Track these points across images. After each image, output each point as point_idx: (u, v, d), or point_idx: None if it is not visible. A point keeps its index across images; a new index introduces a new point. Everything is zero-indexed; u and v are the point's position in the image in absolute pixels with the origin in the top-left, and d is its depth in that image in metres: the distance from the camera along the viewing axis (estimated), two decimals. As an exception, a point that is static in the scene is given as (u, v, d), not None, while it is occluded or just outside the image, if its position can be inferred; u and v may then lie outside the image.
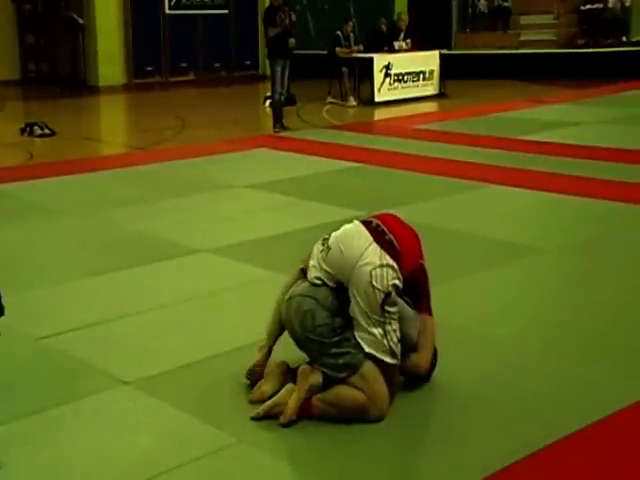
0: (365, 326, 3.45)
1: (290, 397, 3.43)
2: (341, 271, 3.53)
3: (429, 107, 14.73)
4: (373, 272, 3.45)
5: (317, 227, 6.34)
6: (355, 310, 3.47)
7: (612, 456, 3.24)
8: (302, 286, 3.62)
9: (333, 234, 3.69)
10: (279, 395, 3.47)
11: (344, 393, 3.44)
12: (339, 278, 3.54)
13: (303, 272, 3.71)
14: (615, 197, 7.28)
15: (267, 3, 13.40)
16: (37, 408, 3.61)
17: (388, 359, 3.47)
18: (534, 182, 7.95)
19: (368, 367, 3.44)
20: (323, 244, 3.67)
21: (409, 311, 3.71)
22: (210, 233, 6.43)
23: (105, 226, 6.69)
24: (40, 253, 5.98)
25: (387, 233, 3.59)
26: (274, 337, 3.77)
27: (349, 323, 3.50)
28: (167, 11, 18.17)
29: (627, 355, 4.17)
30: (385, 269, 3.47)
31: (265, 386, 3.62)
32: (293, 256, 5.74)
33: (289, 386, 3.50)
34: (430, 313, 3.79)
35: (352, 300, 3.48)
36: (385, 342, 3.46)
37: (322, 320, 3.46)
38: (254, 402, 3.56)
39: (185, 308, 4.86)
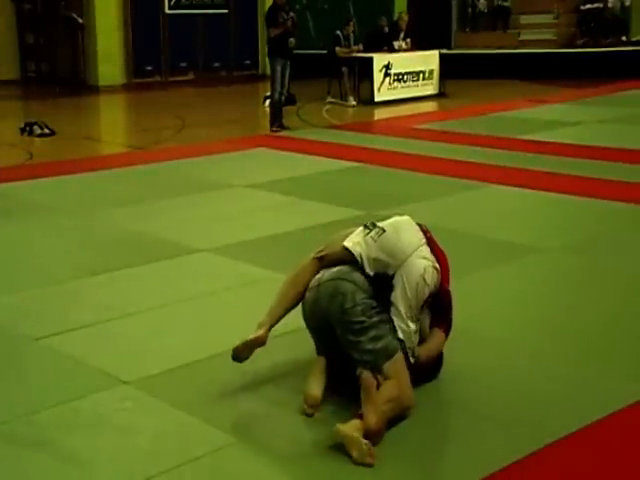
0: (404, 316, 3.51)
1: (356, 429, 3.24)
2: (393, 255, 3.59)
3: (429, 107, 14.74)
4: (428, 268, 3.57)
5: (317, 227, 6.35)
6: (399, 298, 3.53)
7: (612, 456, 3.24)
8: (332, 271, 3.63)
9: (380, 223, 3.75)
10: (348, 434, 3.20)
11: (384, 390, 3.38)
12: (383, 264, 3.58)
13: (320, 260, 3.75)
14: (615, 197, 7.28)
15: (267, 3, 13.40)
16: (37, 408, 3.61)
17: (409, 356, 3.53)
18: (534, 182, 7.96)
19: (399, 355, 3.47)
20: (369, 228, 3.71)
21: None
22: (210, 233, 6.43)
23: (105, 226, 6.69)
24: (40, 253, 5.98)
25: (434, 244, 3.74)
26: (277, 318, 3.74)
27: (384, 307, 3.53)
28: (167, 11, 18.18)
29: (627, 355, 4.17)
30: (435, 271, 3.61)
31: (314, 390, 3.51)
32: (293, 256, 5.73)
33: (355, 423, 3.25)
34: (445, 333, 3.81)
35: (399, 287, 3.54)
36: (413, 339, 3.54)
37: (362, 300, 3.49)
38: (311, 411, 3.44)
39: (185, 308, 4.86)
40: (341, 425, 3.19)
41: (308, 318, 3.72)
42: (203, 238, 6.25)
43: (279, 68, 11.56)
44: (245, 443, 3.31)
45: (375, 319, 3.47)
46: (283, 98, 11.84)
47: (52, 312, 4.83)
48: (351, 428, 3.18)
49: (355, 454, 3.11)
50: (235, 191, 7.91)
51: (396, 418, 3.39)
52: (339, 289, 3.52)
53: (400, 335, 3.50)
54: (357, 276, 3.56)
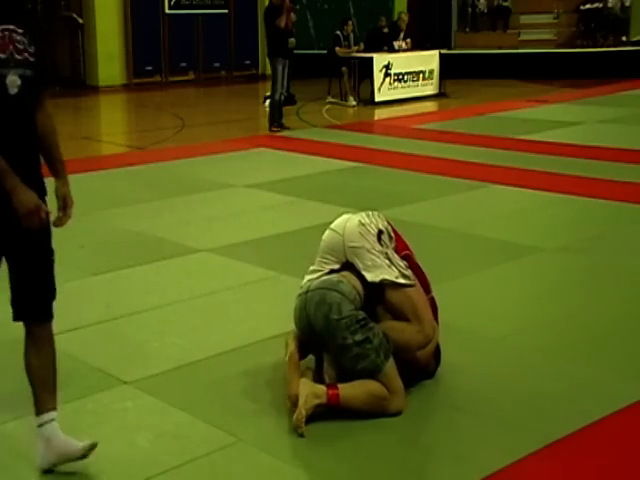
0: (370, 264, 3.58)
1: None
2: (337, 247, 3.70)
3: (429, 107, 14.74)
4: (360, 218, 3.71)
5: (317, 227, 6.32)
6: (359, 260, 3.61)
7: (612, 456, 3.24)
8: (321, 280, 3.64)
9: None
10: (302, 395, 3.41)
11: (369, 382, 3.46)
12: (335, 249, 3.71)
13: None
14: (615, 197, 7.28)
15: (267, 3, 13.42)
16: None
17: (402, 280, 3.58)
18: (534, 182, 7.96)
19: (387, 367, 3.47)
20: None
21: None
22: (210, 233, 6.43)
23: (105, 226, 6.69)
24: (40, 253, 5.97)
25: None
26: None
27: (371, 318, 3.55)
28: (167, 11, 18.17)
29: (628, 355, 4.17)
30: (373, 216, 3.75)
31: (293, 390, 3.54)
32: (293, 256, 5.74)
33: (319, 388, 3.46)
34: (426, 290, 3.83)
35: (355, 257, 3.62)
36: (394, 269, 3.59)
37: (348, 312, 3.48)
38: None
39: (185, 308, 4.86)
40: (306, 381, 3.43)
41: (296, 323, 3.71)
42: (203, 238, 6.25)
43: (280, 68, 11.57)
44: (245, 443, 3.31)
45: (358, 337, 3.44)
46: (282, 98, 11.85)
47: (52, 312, 4.82)
48: (311, 390, 3.38)
49: (294, 417, 3.32)
50: (235, 191, 7.91)
51: (373, 413, 3.45)
52: (326, 299, 3.52)
53: (380, 277, 3.54)
54: (344, 286, 3.55)
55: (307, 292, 3.61)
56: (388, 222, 3.83)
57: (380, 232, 3.67)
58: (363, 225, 3.67)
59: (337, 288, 3.54)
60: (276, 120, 11.67)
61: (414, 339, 3.58)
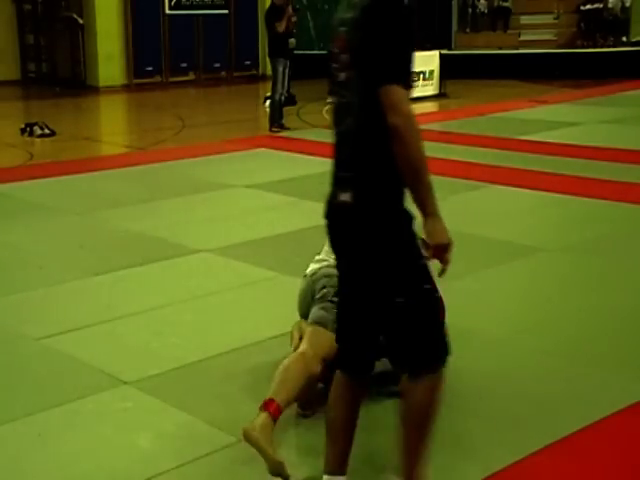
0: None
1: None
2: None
3: (429, 107, 14.72)
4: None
5: (317, 227, 6.32)
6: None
7: (613, 455, 3.24)
8: (326, 267, 3.73)
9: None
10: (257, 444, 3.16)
11: (289, 368, 3.38)
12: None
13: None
14: (615, 197, 7.28)
15: (267, 3, 13.44)
16: (37, 408, 3.61)
17: None
18: (534, 182, 7.96)
19: (327, 330, 3.49)
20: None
21: None
22: (210, 233, 6.43)
23: (105, 226, 6.69)
24: (40, 253, 5.98)
25: None
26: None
27: None
28: (167, 11, 18.18)
29: (628, 355, 4.17)
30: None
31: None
32: (293, 256, 5.74)
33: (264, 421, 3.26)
34: None
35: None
36: None
37: None
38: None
39: (185, 308, 4.85)
40: (250, 428, 3.11)
41: (300, 306, 3.81)
42: (203, 238, 6.25)
43: (281, 69, 11.58)
44: (245, 443, 3.30)
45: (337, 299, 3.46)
46: (283, 98, 11.85)
47: (52, 312, 4.83)
48: (262, 431, 3.11)
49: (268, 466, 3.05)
50: (235, 191, 7.91)
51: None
52: (334, 276, 3.56)
53: None
54: None
55: (313, 275, 3.74)
56: None
57: None
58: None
59: None
60: (276, 120, 11.68)
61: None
